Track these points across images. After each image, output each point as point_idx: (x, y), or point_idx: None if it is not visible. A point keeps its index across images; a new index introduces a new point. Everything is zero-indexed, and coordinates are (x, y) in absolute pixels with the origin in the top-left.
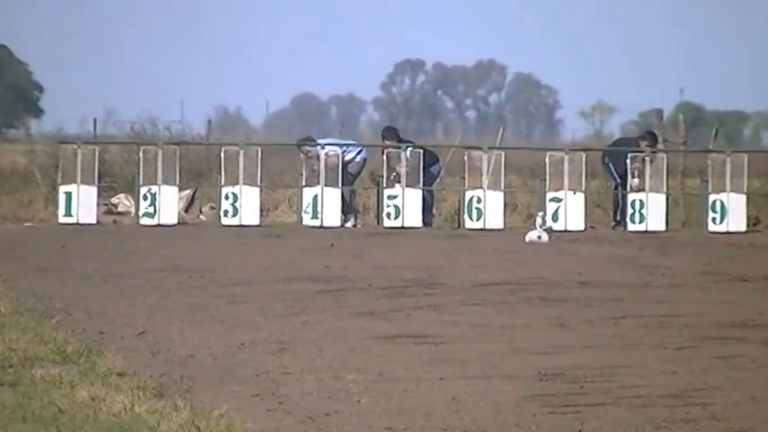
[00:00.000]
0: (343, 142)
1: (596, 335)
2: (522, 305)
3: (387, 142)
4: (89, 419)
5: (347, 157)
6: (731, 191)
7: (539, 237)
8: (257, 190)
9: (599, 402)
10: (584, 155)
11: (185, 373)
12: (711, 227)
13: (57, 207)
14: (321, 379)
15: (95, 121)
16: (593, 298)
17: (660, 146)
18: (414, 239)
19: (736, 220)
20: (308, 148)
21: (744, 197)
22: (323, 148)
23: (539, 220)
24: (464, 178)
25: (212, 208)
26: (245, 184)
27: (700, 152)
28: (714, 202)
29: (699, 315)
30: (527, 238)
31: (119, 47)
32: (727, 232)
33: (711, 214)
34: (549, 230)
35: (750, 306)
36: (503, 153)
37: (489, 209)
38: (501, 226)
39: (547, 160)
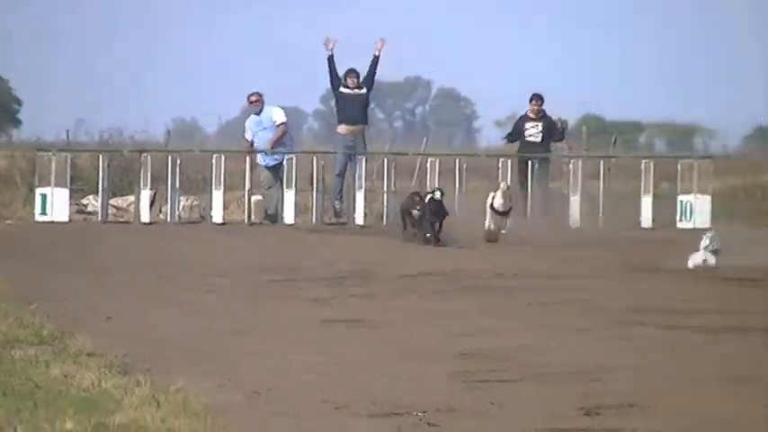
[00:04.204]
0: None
1: (515, 319)
2: (446, 293)
3: (349, 80)
4: (61, 394)
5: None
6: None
7: (704, 260)
8: (221, 192)
9: (513, 379)
10: (500, 159)
11: (147, 354)
12: (644, 223)
13: (33, 207)
14: (268, 358)
15: (68, 131)
16: (513, 287)
17: (566, 151)
18: (350, 236)
19: (646, 218)
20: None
21: (649, 198)
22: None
23: (705, 242)
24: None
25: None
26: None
27: (600, 157)
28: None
29: (602, 301)
30: (690, 264)
31: (89, 66)
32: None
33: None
34: (717, 253)
35: (652, 294)
36: (437, 159)
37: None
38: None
39: (466, 164)
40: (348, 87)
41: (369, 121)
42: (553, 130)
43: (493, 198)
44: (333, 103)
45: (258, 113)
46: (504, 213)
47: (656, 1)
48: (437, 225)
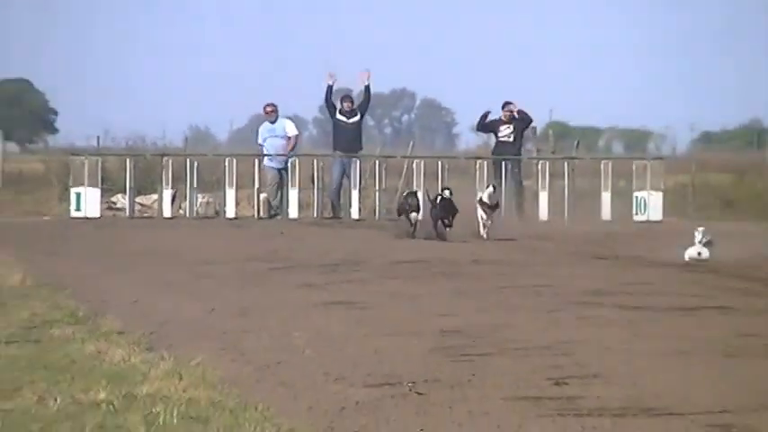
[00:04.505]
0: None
1: (486, 301)
2: (427, 278)
3: (345, 104)
4: (95, 368)
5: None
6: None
7: (699, 253)
8: (233, 191)
9: (488, 353)
10: (479, 162)
11: (169, 332)
12: (604, 216)
13: (69, 204)
14: (273, 336)
15: (98, 138)
16: (484, 273)
17: (533, 153)
18: (344, 229)
19: (605, 213)
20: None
21: (608, 194)
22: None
23: (698, 236)
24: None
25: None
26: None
27: (564, 158)
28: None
29: (566, 285)
30: (686, 256)
31: (114, 78)
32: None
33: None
34: (710, 244)
35: (604, 278)
36: (422, 161)
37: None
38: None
39: (447, 165)
40: (344, 113)
41: (362, 145)
42: (523, 123)
43: (482, 195)
44: (331, 127)
45: (273, 122)
46: (493, 207)
47: (614, 17)
48: (448, 221)
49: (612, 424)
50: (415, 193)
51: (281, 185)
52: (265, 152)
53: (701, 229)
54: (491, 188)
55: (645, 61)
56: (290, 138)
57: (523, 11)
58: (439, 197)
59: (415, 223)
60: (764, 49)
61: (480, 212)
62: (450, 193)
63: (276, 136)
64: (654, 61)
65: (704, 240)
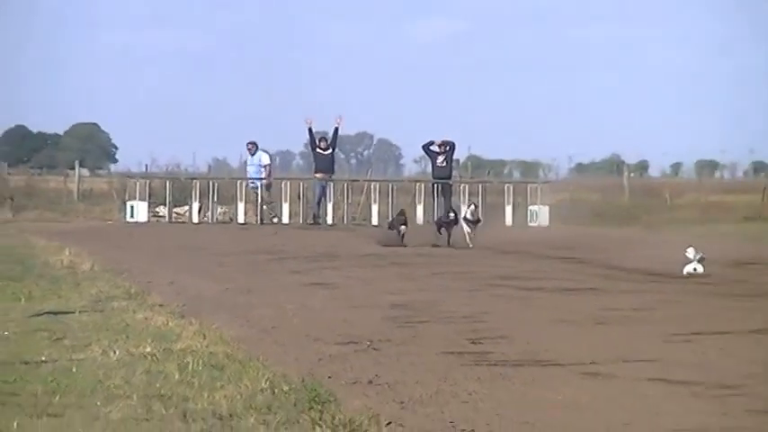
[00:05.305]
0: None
1: (424, 283)
2: (382, 267)
3: (322, 143)
4: (143, 330)
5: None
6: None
7: (694, 269)
8: (243, 204)
9: (425, 320)
10: (418, 184)
11: (196, 305)
12: (507, 223)
13: (125, 213)
14: (270, 308)
15: (146, 165)
16: (422, 263)
17: (458, 178)
18: (322, 231)
19: (508, 220)
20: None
21: (510, 207)
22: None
23: (691, 254)
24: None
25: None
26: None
27: (479, 182)
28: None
29: (481, 272)
30: (685, 271)
31: (160, 123)
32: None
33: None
34: (702, 260)
35: (509, 267)
36: (378, 183)
37: (373, 213)
38: (376, 223)
39: (395, 186)
40: (321, 148)
41: (334, 170)
42: (451, 150)
43: (466, 212)
44: (312, 158)
45: (253, 154)
46: (475, 222)
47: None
48: (475, 228)
49: (513, 371)
50: (403, 212)
51: (258, 199)
52: (248, 176)
53: (690, 249)
54: (473, 206)
55: (534, 111)
56: (264, 166)
57: (451, 76)
58: (468, 209)
59: (402, 234)
60: (614, 97)
61: (465, 227)
62: (476, 207)
63: (253, 165)
64: (541, 111)
65: (698, 257)
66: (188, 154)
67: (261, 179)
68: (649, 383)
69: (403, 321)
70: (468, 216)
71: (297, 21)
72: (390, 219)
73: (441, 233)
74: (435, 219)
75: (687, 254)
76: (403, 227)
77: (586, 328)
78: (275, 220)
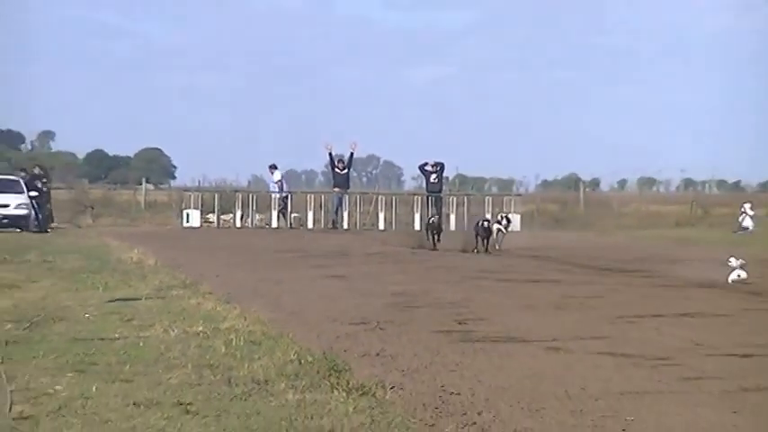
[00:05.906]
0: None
1: (418, 276)
2: (383, 263)
3: (339, 164)
4: (196, 313)
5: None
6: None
7: (738, 275)
8: (276, 212)
9: (420, 306)
10: (415, 196)
11: (238, 293)
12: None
13: (182, 219)
14: (296, 295)
15: (199, 181)
16: (417, 259)
17: (447, 191)
18: (338, 234)
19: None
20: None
21: (489, 215)
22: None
23: (734, 262)
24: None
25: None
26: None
27: (464, 195)
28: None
29: (466, 267)
30: (730, 280)
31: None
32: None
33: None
34: (744, 266)
35: (489, 263)
36: (383, 196)
37: (380, 220)
38: (383, 228)
39: (397, 198)
40: (338, 168)
41: (350, 186)
42: (442, 170)
43: (480, 222)
44: (331, 176)
45: (272, 173)
46: (488, 231)
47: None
48: (504, 236)
49: (491, 346)
50: (433, 218)
51: (285, 207)
52: (269, 190)
53: (732, 258)
54: (505, 220)
55: (509, 138)
56: (276, 182)
57: (441, 110)
58: (503, 217)
59: (434, 239)
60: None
61: (479, 236)
62: (508, 220)
63: (271, 182)
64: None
65: (739, 264)
66: (232, 172)
67: (278, 192)
68: (600, 356)
69: (403, 306)
70: (503, 227)
71: (318, 66)
72: (426, 222)
73: (476, 240)
74: (427, 222)
75: (730, 262)
76: (437, 235)
77: (549, 312)
78: (285, 219)
